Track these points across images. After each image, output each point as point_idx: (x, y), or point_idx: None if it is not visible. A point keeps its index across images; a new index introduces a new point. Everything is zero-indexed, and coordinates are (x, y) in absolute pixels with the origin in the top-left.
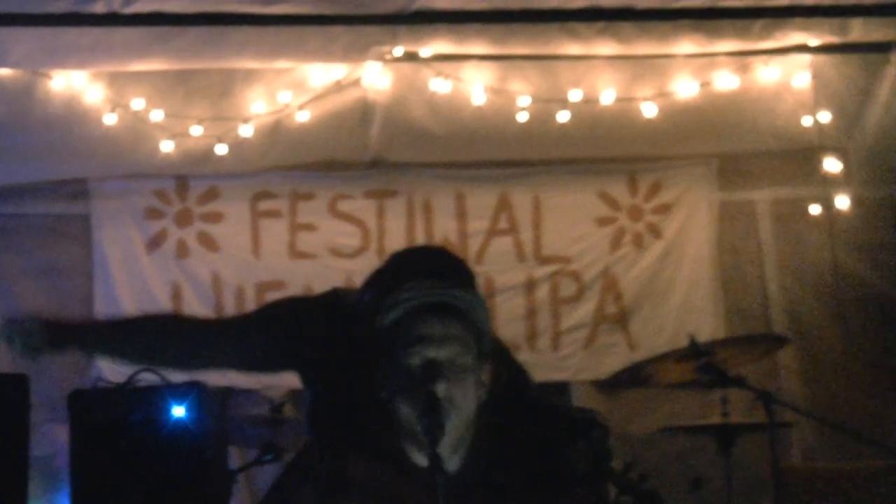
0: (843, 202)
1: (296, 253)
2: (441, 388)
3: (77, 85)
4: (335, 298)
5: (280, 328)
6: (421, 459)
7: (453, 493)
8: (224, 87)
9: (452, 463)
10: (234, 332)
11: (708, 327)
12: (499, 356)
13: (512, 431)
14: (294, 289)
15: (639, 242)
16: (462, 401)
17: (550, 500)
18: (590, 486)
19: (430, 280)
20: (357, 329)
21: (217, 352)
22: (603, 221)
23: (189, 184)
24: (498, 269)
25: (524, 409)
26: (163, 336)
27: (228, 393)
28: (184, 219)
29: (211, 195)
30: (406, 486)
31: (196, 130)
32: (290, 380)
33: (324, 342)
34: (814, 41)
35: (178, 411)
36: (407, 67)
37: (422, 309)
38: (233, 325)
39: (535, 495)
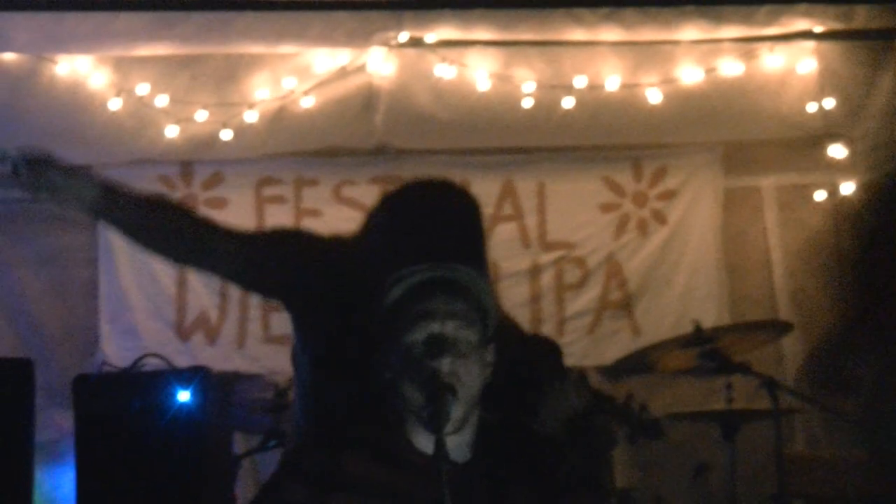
0: (848, 188)
1: None
2: (445, 364)
3: (82, 70)
4: (344, 248)
5: (285, 251)
6: (425, 445)
7: (460, 484)
8: (229, 72)
9: (462, 453)
10: (238, 238)
11: (712, 313)
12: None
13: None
14: None
15: (643, 229)
16: (466, 377)
17: (552, 497)
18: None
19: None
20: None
21: (216, 252)
22: (607, 208)
23: (194, 169)
24: (502, 255)
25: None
26: (173, 220)
27: (233, 378)
28: (188, 204)
29: (215, 181)
30: (405, 480)
31: (201, 116)
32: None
33: (324, 285)
34: (818, 28)
35: (183, 396)
36: (412, 53)
37: (425, 284)
38: (239, 234)
39: (538, 492)
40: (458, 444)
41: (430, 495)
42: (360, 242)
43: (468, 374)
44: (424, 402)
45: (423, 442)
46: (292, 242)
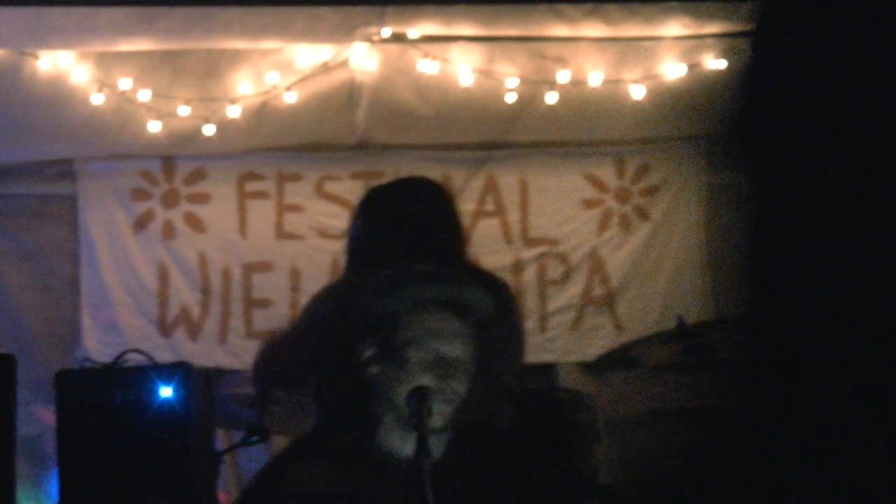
0: None
1: (283, 234)
2: (451, 384)
3: (63, 65)
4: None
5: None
6: (397, 446)
7: (437, 481)
8: (211, 67)
9: (436, 450)
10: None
11: (696, 309)
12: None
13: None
14: (281, 270)
15: (626, 224)
16: (461, 389)
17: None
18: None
19: (429, 268)
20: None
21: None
22: (590, 203)
23: (176, 164)
24: (484, 250)
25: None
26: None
27: (215, 374)
28: (170, 200)
29: (197, 176)
30: (381, 486)
31: (183, 111)
32: None
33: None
34: None
35: (165, 392)
36: (394, 49)
37: (434, 302)
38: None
39: (518, 489)
40: (433, 442)
41: (397, 495)
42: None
43: (461, 386)
44: (416, 404)
45: (396, 442)
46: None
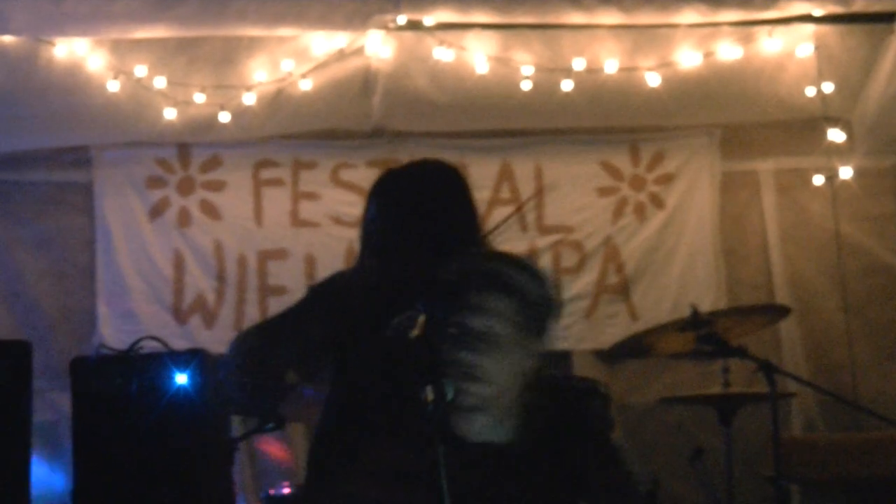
0: (846, 172)
1: (298, 221)
2: (467, 356)
3: (80, 52)
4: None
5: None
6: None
7: (504, 464)
8: (227, 54)
9: (499, 433)
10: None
11: (710, 297)
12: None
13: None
14: (296, 257)
15: (641, 212)
16: (493, 369)
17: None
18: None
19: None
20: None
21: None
22: (605, 191)
23: (191, 152)
24: (499, 238)
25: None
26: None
27: None
28: (186, 187)
29: (213, 163)
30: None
31: (199, 98)
32: None
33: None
34: (818, 11)
35: (181, 379)
36: (410, 36)
37: (474, 277)
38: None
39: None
40: (493, 425)
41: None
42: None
43: (496, 367)
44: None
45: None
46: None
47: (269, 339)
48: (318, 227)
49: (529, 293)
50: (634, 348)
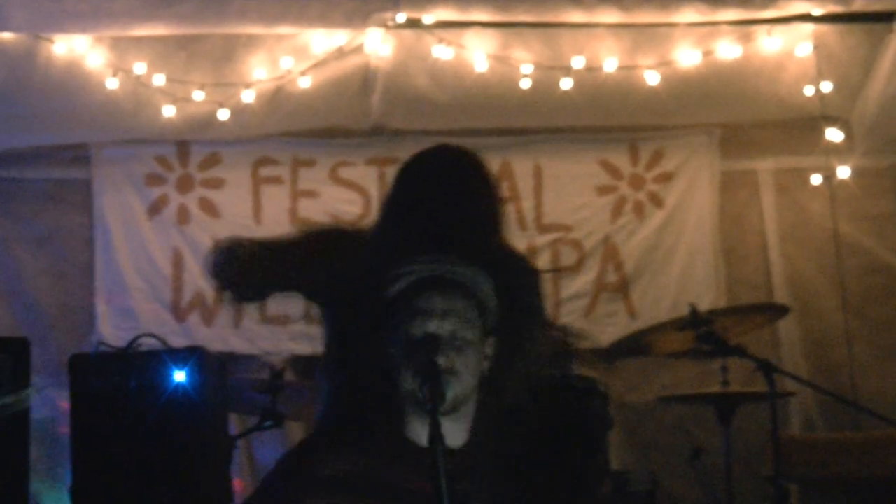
0: (844, 172)
1: (297, 219)
2: (441, 360)
3: (79, 49)
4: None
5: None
6: (420, 435)
7: (458, 469)
8: (226, 52)
9: (457, 438)
10: (278, 250)
11: (709, 296)
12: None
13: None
14: None
15: (640, 211)
16: (463, 370)
17: (559, 480)
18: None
19: (435, 254)
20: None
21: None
22: (604, 190)
23: (190, 149)
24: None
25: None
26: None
27: (229, 358)
28: (185, 185)
29: (212, 161)
30: (408, 474)
31: (198, 95)
32: (290, 346)
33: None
34: (817, 10)
35: (179, 376)
36: (409, 34)
37: (425, 281)
38: (277, 244)
39: (544, 474)
40: (452, 430)
41: (424, 486)
42: (376, 229)
43: (464, 367)
44: (421, 383)
45: (419, 431)
46: (326, 242)
47: (259, 265)
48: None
49: (485, 295)
50: (633, 347)
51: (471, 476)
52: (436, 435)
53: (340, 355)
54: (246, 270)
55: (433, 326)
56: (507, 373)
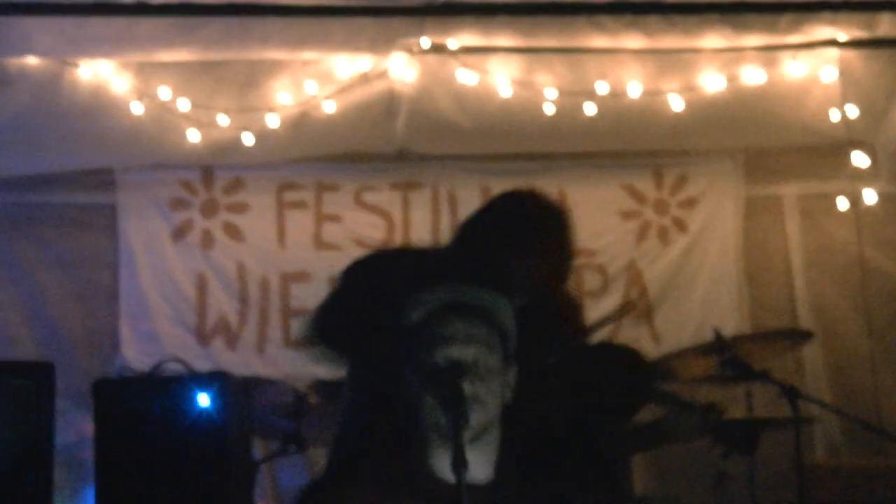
0: (870, 197)
1: (321, 244)
2: (465, 387)
3: (104, 74)
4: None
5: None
6: (445, 470)
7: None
8: (250, 77)
9: (482, 471)
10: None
11: (733, 321)
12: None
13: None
14: (319, 280)
15: (664, 236)
16: (487, 398)
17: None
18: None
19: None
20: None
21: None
22: (628, 215)
23: (215, 174)
24: None
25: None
26: None
27: (252, 383)
28: (209, 209)
29: (236, 186)
30: None
31: (222, 120)
32: (314, 370)
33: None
34: (842, 36)
35: (203, 401)
36: (433, 59)
37: (444, 309)
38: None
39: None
40: (478, 462)
41: None
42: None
43: (488, 395)
44: (444, 412)
45: (444, 467)
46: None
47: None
48: (342, 249)
49: (505, 321)
50: (657, 372)
51: None
52: (459, 460)
53: (361, 385)
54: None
55: (456, 353)
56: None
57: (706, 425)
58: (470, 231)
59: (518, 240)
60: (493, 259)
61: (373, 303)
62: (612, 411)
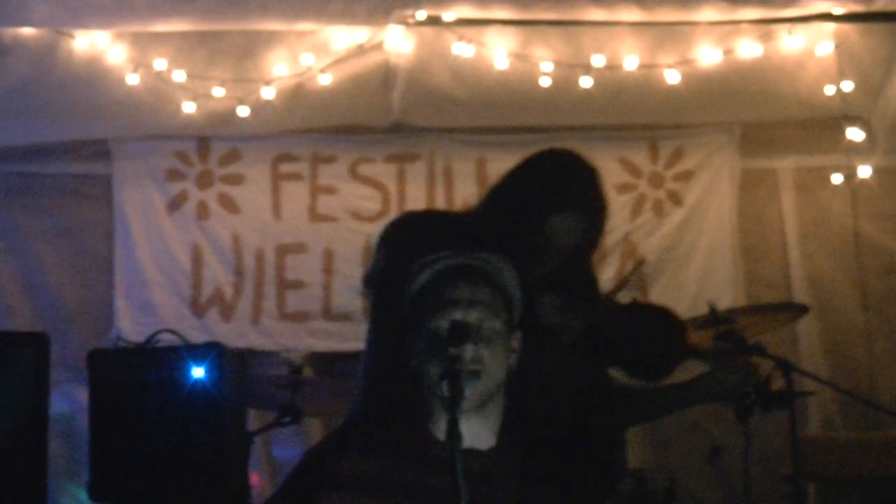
0: (865, 171)
1: (316, 216)
2: (468, 350)
3: (100, 45)
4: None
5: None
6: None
7: (484, 471)
8: (246, 48)
9: (484, 439)
10: None
11: (728, 295)
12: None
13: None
14: (314, 252)
15: (659, 210)
16: (491, 363)
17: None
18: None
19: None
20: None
21: None
22: (624, 188)
23: (210, 145)
24: None
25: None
26: None
27: (248, 354)
28: (205, 180)
29: (232, 157)
30: (431, 473)
31: (218, 92)
32: (309, 342)
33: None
34: (838, 9)
35: (198, 372)
36: (429, 31)
37: (450, 271)
38: None
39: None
40: (480, 430)
41: (446, 484)
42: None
43: (493, 360)
44: (440, 378)
45: (444, 429)
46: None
47: None
48: (337, 221)
49: (510, 285)
50: None
51: (495, 481)
52: (454, 431)
53: (373, 351)
54: None
55: (459, 315)
56: (531, 377)
57: (748, 379)
58: (505, 191)
59: (559, 194)
60: (530, 217)
61: (389, 266)
62: (656, 368)
